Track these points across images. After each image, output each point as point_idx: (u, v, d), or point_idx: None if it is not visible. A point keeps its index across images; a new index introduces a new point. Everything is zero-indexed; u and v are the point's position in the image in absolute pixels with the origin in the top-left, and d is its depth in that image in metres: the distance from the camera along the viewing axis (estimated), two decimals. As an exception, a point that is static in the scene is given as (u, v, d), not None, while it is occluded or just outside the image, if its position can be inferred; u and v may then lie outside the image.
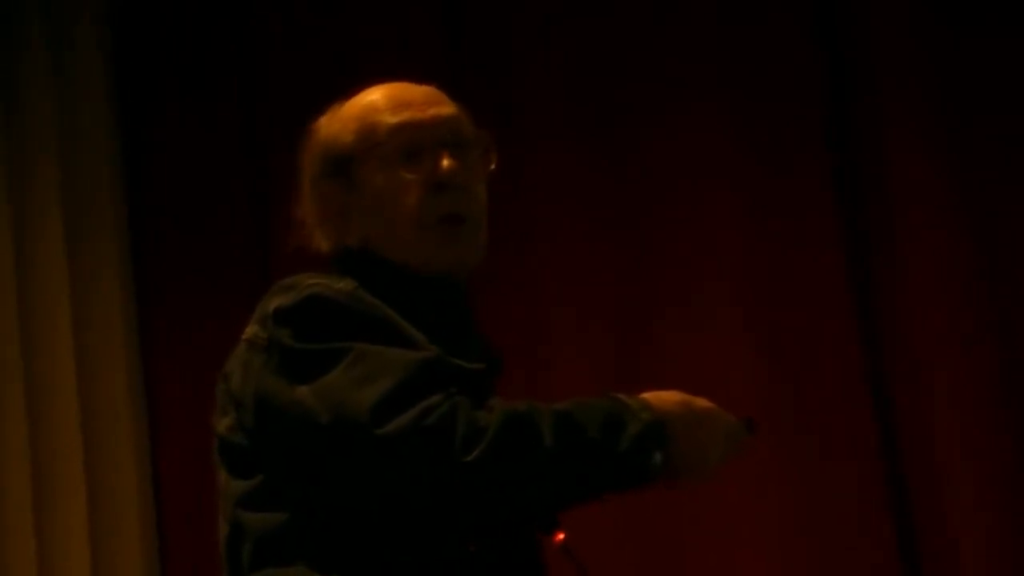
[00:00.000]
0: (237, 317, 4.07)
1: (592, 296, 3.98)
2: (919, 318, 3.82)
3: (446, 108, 2.16)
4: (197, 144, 4.21)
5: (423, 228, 2.10)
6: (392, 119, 2.13)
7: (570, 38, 4.05)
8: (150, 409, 4.14)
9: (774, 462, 3.83)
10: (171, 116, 4.24)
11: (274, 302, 2.05)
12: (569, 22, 4.05)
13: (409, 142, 2.12)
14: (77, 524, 3.95)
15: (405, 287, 2.09)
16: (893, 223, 3.85)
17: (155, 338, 4.19)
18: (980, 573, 3.71)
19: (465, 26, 4.11)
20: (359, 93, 2.20)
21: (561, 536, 2.10)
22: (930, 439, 3.77)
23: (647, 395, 2.02)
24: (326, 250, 2.18)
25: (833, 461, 3.83)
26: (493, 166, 2.19)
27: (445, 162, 2.10)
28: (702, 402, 2.05)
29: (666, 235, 3.98)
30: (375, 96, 2.17)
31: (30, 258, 4.07)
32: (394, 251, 2.11)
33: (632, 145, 4.00)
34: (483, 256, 2.17)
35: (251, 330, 2.09)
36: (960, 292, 3.80)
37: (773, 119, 3.95)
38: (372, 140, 2.13)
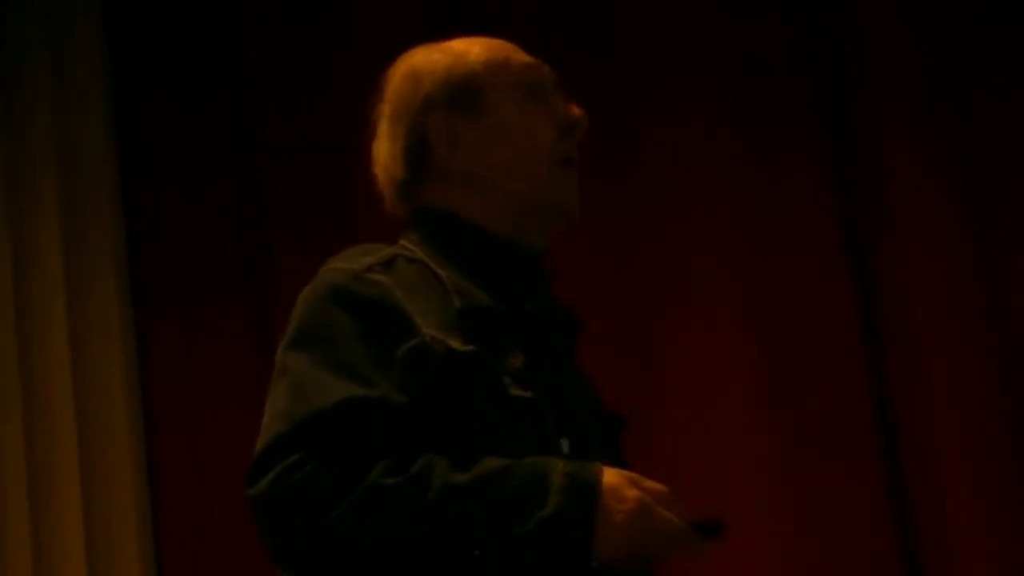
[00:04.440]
0: (233, 323, 4.12)
1: (588, 292, 3.96)
2: (918, 315, 3.81)
3: None
4: (194, 148, 4.20)
5: (553, 167, 2.12)
6: (523, 57, 2.17)
7: (562, 30, 4.03)
8: (147, 416, 4.12)
9: (773, 459, 3.83)
10: (169, 119, 4.21)
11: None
12: (561, 15, 4.05)
13: (538, 81, 2.15)
14: (73, 531, 3.93)
15: (479, 246, 2.09)
16: (893, 220, 3.85)
17: (152, 345, 4.16)
18: (979, 567, 3.71)
19: (457, 20, 4.09)
20: (450, 41, 2.18)
21: None
22: (930, 436, 3.77)
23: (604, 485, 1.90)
24: (403, 181, 2.14)
25: (832, 457, 3.82)
26: None
27: (576, 108, 2.15)
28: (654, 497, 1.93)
29: (663, 232, 3.97)
30: (479, 42, 2.18)
31: (27, 264, 4.06)
32: (515, 182, 2.11)
33: (629, 142, 3.98)
34: None
35: None
36: (959, 289, 3.80)
37: (771, 113, 3.95)
38: (506, 72, 2.14)
